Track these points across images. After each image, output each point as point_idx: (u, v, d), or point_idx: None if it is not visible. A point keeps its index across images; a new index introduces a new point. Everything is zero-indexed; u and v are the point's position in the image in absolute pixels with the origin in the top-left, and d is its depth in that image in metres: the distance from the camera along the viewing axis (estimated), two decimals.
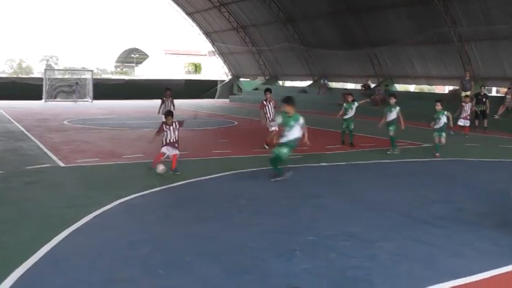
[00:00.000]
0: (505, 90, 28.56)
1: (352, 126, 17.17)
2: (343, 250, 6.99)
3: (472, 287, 5.95)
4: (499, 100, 28.20)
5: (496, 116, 26.50)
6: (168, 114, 12.29)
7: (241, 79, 54.78)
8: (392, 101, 16.61)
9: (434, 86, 39.57)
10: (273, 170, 11.58)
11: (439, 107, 15.63)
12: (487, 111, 25.14)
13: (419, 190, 11.04)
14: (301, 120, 11.63)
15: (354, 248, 7.12)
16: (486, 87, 32.75)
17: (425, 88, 41.87)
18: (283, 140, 11.47)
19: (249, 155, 15.20)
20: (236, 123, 26.37)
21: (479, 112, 24.95)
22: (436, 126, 15.69)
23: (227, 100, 48.62)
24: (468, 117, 22.25)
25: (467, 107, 22.44)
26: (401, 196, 10.49)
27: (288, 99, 11.85)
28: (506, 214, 8.64)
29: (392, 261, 6.63)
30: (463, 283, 5.99)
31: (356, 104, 17.33)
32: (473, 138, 20.12)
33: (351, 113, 17.04)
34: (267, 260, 6.54)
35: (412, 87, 42.42)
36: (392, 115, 16.26)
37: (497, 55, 30.73)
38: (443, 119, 15.59)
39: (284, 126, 11.64)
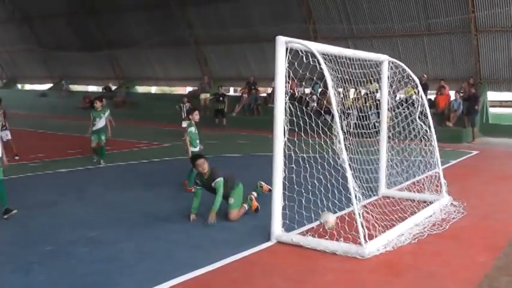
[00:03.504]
0: (242, 89, 30.56)
1: (104, 138, 14.47)
2: (84, 256, 6.86)
3: (209, 276, 6.25)
4: (237, 99, 30.21)
5: (234, 114, 28.41)
6: None
7: None
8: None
9: (175, 88, 40.80)
10: None
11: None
12: (225, 109, 26.80)
13: (156, 189, 11.27)
14: None
15: (95, 252, 7.02)
16: (224, 87, 34.88)
17: (167, 89, 42.90)
18: None
19: None
20: None
21: (218, 110, 26.66)
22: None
23: None
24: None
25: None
26: (138, 196, 10.62)
27: None
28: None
29: (132, 261, 6.69)
30: (200, 273, 6.27)
31: (107, 112, 14.92)
32: (213, 136, 21.10)
33: (100, 122, 14.37)
34: (1, 276, 6.12)
35: (153, 89, 43.15)
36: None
37: (232, 57, 32.84)
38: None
39: None
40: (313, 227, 8.03)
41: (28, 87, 49.31)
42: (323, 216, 7.86)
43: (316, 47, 7.59)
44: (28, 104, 37.31)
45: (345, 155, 7.04)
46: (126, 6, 34.54)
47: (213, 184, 8.70)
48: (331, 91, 7.32)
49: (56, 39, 40.68)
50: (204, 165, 8.78)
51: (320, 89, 22.39)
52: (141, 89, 40.50)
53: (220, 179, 8.68)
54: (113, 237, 7.76)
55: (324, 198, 8.15)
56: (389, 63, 10.48)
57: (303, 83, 8.98)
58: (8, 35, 43.54)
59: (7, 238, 7.67)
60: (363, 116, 10.61)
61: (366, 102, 14.02)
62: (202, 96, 29.36)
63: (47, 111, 34.27)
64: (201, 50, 33.81)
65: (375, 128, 10.41)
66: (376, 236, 7.33)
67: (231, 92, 39.53)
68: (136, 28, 35.28)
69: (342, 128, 7.21)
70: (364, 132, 10.04)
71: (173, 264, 6.58)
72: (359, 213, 7.02)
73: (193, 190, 10.67)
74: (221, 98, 27.39)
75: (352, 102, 10.82)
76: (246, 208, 9.00)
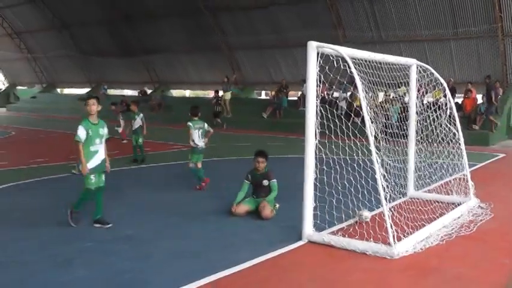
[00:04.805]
0: (273, 93, 30.55)
1: (141, 140, 15.08)
2: (121, 253, 6.90)
3: (241, 274, 6.23)
4: (267, 102, 30.29)
5: (264, 116, 28.47)
6: None
7: (18, 87, 51.47)
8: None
9: (208, 91, 41.14)
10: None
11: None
12: (222, 111, 28.76)
13: (189, 189, 11.26)
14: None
15: (131, 250, 7.06)
16: (256, 91, 35.21)
17: (200, 93, 43.22)
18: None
19: (26, 166, 14.29)
20: (13, 133, 24.67)
21: (216, 112, 28.29)
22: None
23: (3, 109, 45.31)
24: None
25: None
26: (173, 196, 10.64)
27: None
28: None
29: (167, 259, 6.70)
30: (233, 271, 6.25)
31: (141, 114, 15.34)
32: (230, 138, 20.94)
33: (135, 124, 14.57)
34: (45, 271, 6.20)
35: (187, 92, 43.51)
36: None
37: (264, 62, 32.91)
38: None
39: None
40: (343, 227, 7.99)
41: (66, 91, 50.11)
42: (360, 212, 8.30)
43: (347, 52, 7.52)
44: (67, 107, 37.90)
45: (375, 157, 6.95)
46: (161, 14, 34.85)
47: (264, 182, 9.10)
48: (361, 95, 7.24)
49: (94, 45, 41.28)
50: (263, 165, 9.19)
51: (349, 93, 22.36)
52: (175, 92, 40.80)
53: (276, 181, 9.15)
54: (149, 235, 7.80)
55: (354, 199, 8.09)
56: (417, 67, 10.34)
57: (333, 87, 8.92)
58: (47, 41, 44.35)
59: (49, 235, 7.74)
60: (391, 117, 10.49)
61: (393, 105, 13.86)
62: (225, 96, 30.22)
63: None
64: (233, 55, 33.93)
65: (402, 130, 10.28)
66: (405, 237, 7.24)
67: (263, 96, 39.58)
68: (171, 34, 35.57)
69: (371, 131, 7.12)
70: (392, 135, 9.91)
71: (206, 263, 6.56)
72: (388, 214, 6.93)
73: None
74: (218, 101, 28.95)
75: (380, 105, 10.66)
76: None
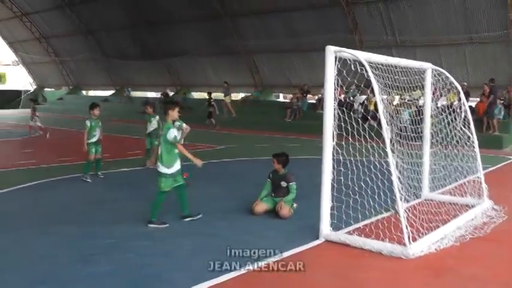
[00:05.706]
0: (292, 96, 30.39)
1: (156, 143, 12.95)
2: (140, 250, 6.92)
3: (259, 272, 6.20)
4: (286, 105, 30.23)
5: (287, 119, 28.33)
6: None
7: (46, 89, 52.00)
8: (96, 112, 12.89)
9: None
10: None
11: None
12: (214, 113, 29.13)
13: (208, 189, 11.21)
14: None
15: (151, 246, 7.08)
16: (274, 94, 35.19)
17: (220, 95, 43.28)
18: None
19: (54, 164, 14.40)
20: (41, 133, 24.84)
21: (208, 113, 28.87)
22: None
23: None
24: None
25: None
26: (192, 196, 10.50)
27: None
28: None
29: (185, 256, 6.72)
30: (250, 269, 6.21)
31: (157, 117, 13.95)
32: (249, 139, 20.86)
33: (150, 126, 13.70)
34: (67, 266, 6.25)
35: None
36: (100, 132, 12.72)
37: (281, 66, 32.82)
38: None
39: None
40: (359, 227, 7.92)
41: (91, 93, 50.43)
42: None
43: (364, 56, 7.46)
44: None
45: (391, 159, 6.89)
46: (181, 19, 35.00)
47: (282, 183, 9.04)
48: (378, 98, 7.18)
49: (118, 49, 41.56)
50: (277, 165, 9.14)
51: (365, 96, 22.21)
52: (196, 94, 40.89)
53: (294, 184, 9.04)
54: (168, 233, 7.82)
55: (370, 200, 8.02)
56: (432, 71, 10.23)
57: (350, 90, 8.87)
58: (74, 46, 44.71)
59: (71, 232, 7.77)
60: (406, 120, 10.39)
61: (408, 108, 13.72)
62: (226, 99, 31.07)
63: (109, 115, 34.95)
64: (252, 59, 33.93)
65: (417, 133, 10.15)
66: (420, 238, 7.16)
67: (281, 98, 39.43)
68: (191, 38, 35.68)
69: (387, 133, 7.06)
70: (408, 137, 9.81)
71: (224, 260, 6.46)
72: (404, 215, 6.86)
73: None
74: (209, 104, 29.43)
75: (396, 108, 10.56)
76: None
